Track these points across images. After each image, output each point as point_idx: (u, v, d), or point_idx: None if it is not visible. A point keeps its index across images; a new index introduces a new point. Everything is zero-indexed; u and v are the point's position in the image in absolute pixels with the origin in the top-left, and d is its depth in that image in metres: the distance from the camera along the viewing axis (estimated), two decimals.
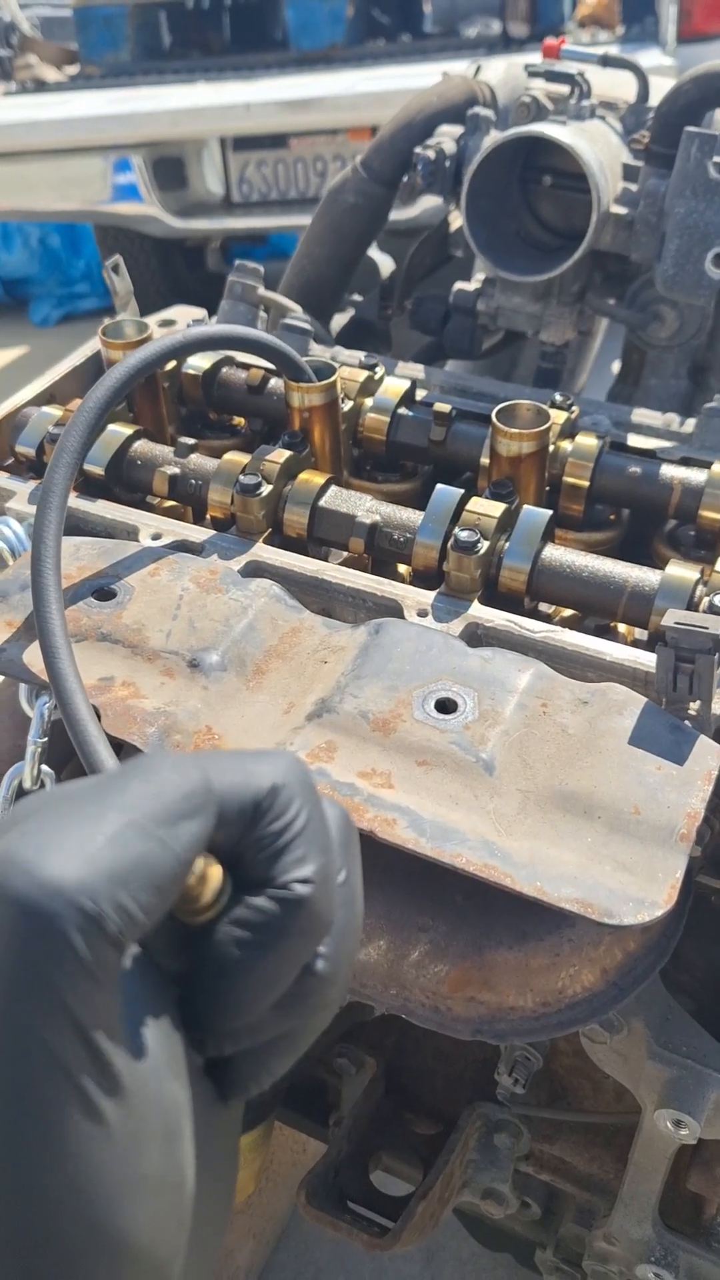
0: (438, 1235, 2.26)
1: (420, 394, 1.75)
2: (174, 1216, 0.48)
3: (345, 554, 1.53)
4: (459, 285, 1.98)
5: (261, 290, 1.93)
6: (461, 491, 1.44)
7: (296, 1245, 2.48)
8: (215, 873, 0.54)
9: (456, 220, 2.29)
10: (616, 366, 2.31)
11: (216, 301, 2.02)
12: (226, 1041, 0.55)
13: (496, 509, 1.39)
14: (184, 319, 2.02)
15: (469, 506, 1.40)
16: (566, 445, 1.57)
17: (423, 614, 1.36)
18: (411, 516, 1.46)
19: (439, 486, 1.44)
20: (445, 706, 1.21)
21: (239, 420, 1.84)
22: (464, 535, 1.35)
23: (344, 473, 1.66)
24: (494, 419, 1.43)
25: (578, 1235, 1.76)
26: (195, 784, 0.53)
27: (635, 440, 1.65)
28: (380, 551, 1.48)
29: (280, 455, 1.49)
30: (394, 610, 1.38)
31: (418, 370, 1.84)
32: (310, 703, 1.23)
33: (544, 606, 1.47)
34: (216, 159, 5.09)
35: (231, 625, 1.31)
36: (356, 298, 2.28)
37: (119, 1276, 0.45)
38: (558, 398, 1.59)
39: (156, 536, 1.48)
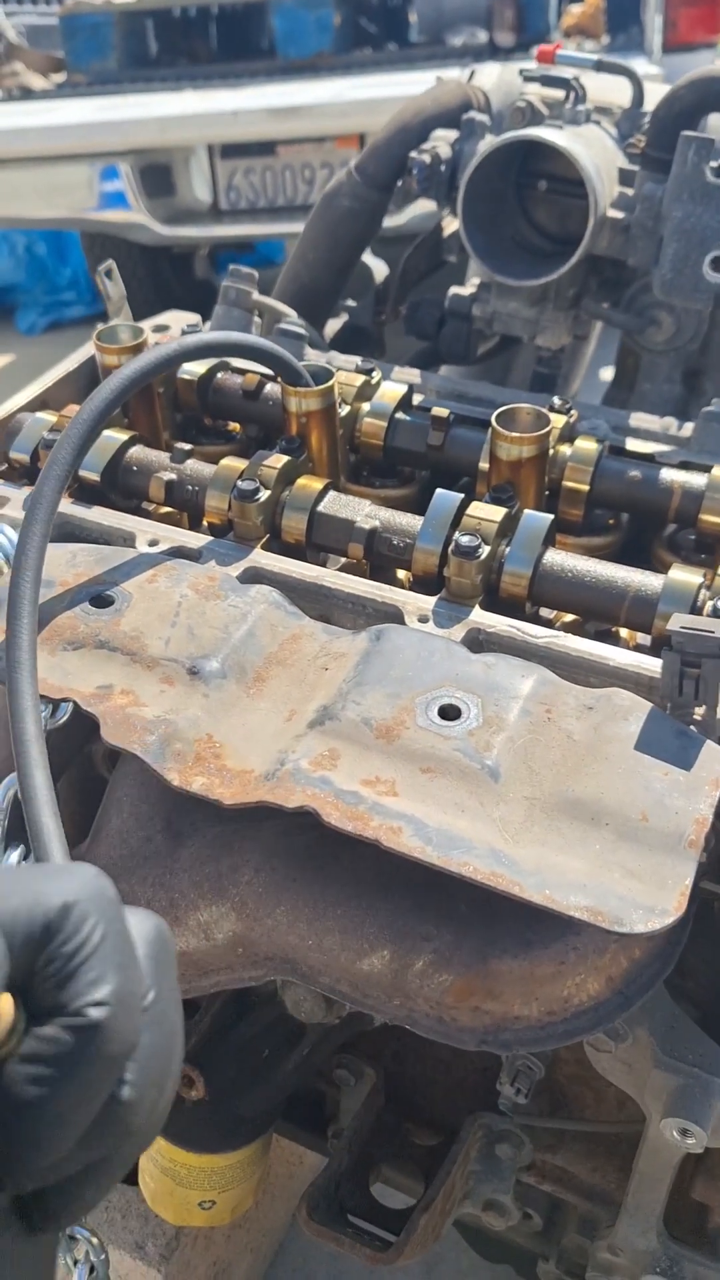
0: (437, 1246, 2.25)
1: (417, 399, 1.74)
2: None
3: (344, 559, 1.52)
4: (454, 290, 1.97)
5: (256, 295, 1.92)
6: (461, 496, 1.43)
7: (294, 1259, 2.45)
8: (4, 1006, 0.51)
9: (450, 225, 2.29)
10: (606, 373, 2.31)
11: (205, 310, 2.01)
12: (29, 1179, 0.52)
13: (497, 514, 1.38)
14: (178, 324, 2.00)
15: (469, 511, 1.39)
16: (566, 449, 1.56)
17: (424, 620, 1.35)
18: (411, 522, 1.45)
19: (439, 491, 1.42)
20: (448, 713, 1.20)
21: (235, 426, 1.82)
22: (465, 540, 1.34)
23: (341, 478, 1.65)
24: (493, 423, 1.42)
25: (580, 1246, 1.75)
26: None
27: (634, 444, 1.64)
28: (379, 557, 1.47)
29: (278, 460, 1.48)
30: (395, 616, 1.37)
31: (414, 375, 1.83)
32: (312, 710, 1.22)
33: (545, 611, 1.46)
34: (204, 166, 5.07)
35: (231, 632, 1.30)
36: (351, 303, 2.27)
37: None
38: (556, 402, 1.59)
39: (154, 543, 1.46)
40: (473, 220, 1.75)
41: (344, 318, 2.27)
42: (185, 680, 1.24)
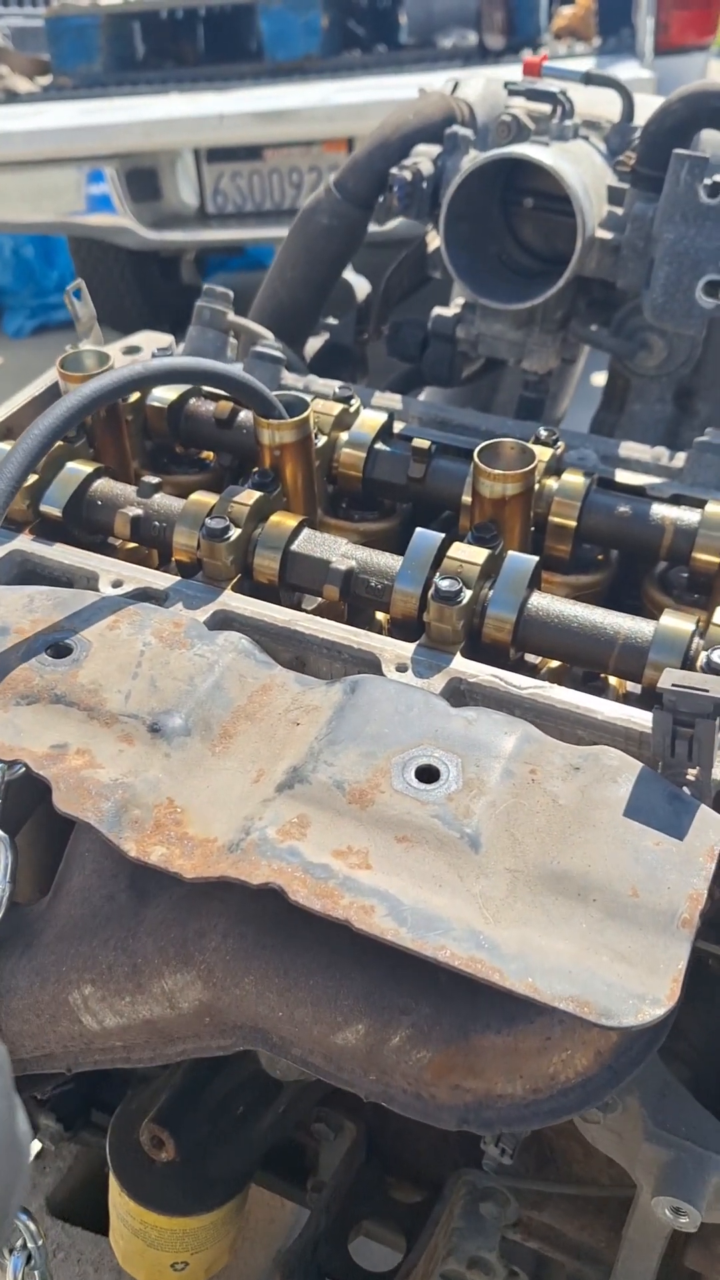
0: None
1: (398, 426, 1.66)
2: None
3: (320, 600, 1.44)
4: (438, 311, 1.89)
5: (231, 316, 1.84)
6: (442, 536, 1.35)
7: None
8: None
9: (434, 240, 2.21)
10: (598, 378, 2.23)
11: (192, 313, 1.92)
12: None
13: (479, 555, 1.31)
14: (150, 346, 1.93)
15: (450, 553, 1.32)
16: (552, 483, 1.49)
17: (402, 668, 1.27)
18: (390, 562, 1.38)
19: (418, 531, 1.35)
20: (427, 774, 1.12)
21: (208, 454, 1.75)
22: (445, 585, 1.27)
23: (318, 512, 1.58)
24: (476, 459, 1.35)
25: None
26: None
27: (624, 476, 1.57)
28: (357, 599, 1.39)
29: (249, 496, 1.40)
30: (371, 664, 1.29)
31: (395, 401, 1.75)
32: (281, 770, 1.14)
33: (531, 655, 1.39)
34: (190, 170, 4.99)
35: (196, 684, 1.22)
36: (332, 321, 2.19)
37: None
38: (542, 432, 1.51)
39: (117, 584, 1.38)
40: (455, 240, 1.67)
41: (324, 336, 2.19)
42: (146, 739, 1.17)
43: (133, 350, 1.91)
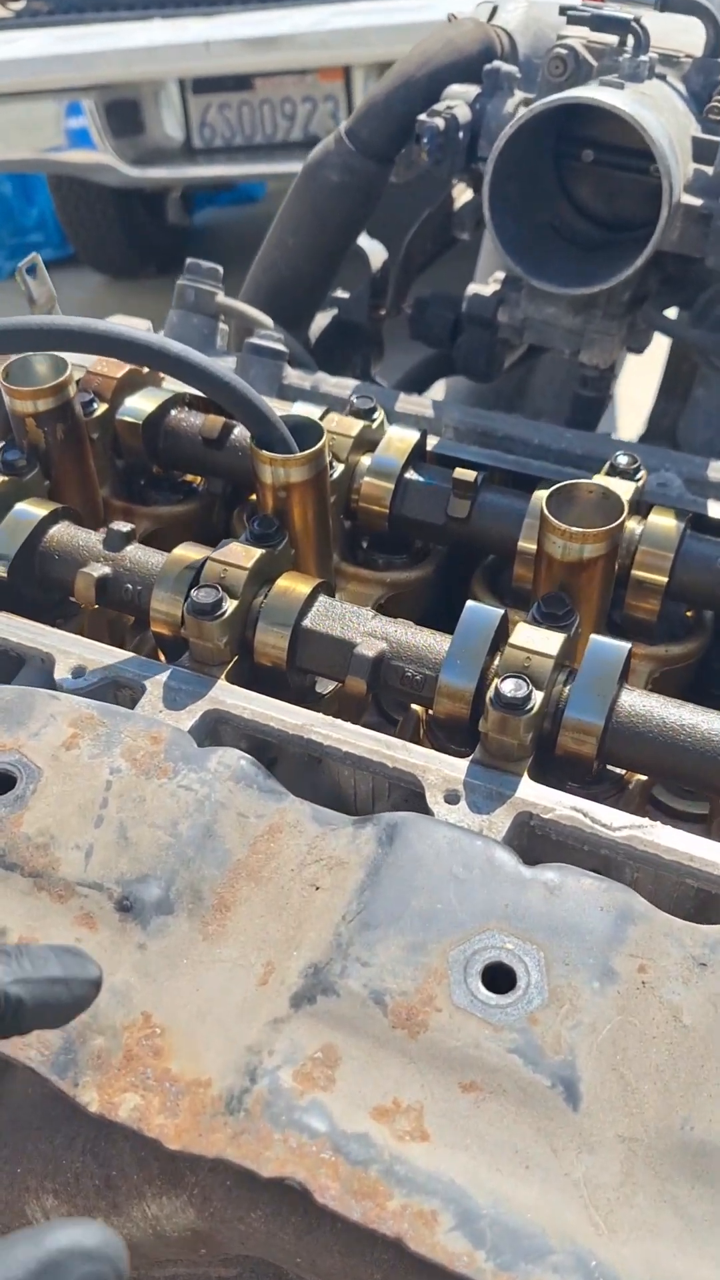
0: None
1: (431, 441, 1.33)
2: None
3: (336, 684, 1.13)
4: (474, 289, 1.55)
5: (220, 297, 1.50)
6: (500, 615, 1.03)
7: None
8: None
9: (463, 195, 1.86)
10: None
11: (181, 257, 1.57)
12: None
13: (552, 643, 1.00)
14: None
15: (515, 639, 1.00)
16: (635, 526, 1.17)
17: (452, 798, 0.96)
18: (431, 643, 1.06)
19: (471, 609, 1.04)
20: (498, 979, 0.82)
21: (192, 477, 1.42)
22: (510, 689, 0.95)
23: (333, 557, 1.25)
24: (544, 510, 1.03)
25: None
26: None
27: (718, 509, 1.24)
28: (388, 690, 1.07)
29: (248, 556, 1.08)
30: (411, 790, 0.98)
31: (424, 406, 1.42)
32: (298, 968, 0.84)
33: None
34: (175, 102, 4.61)
35: (181, 833, 0.92)
36: (341, 294, 1.84)
37: None
38: (621, 459, 1.19)
39: (79, 673, 1.07)
40: (501, 205, 1.33)
41: (332, 312, 1.84)
42: (113, 921, 0.86)
43: None
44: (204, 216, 6.14)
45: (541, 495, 1.17)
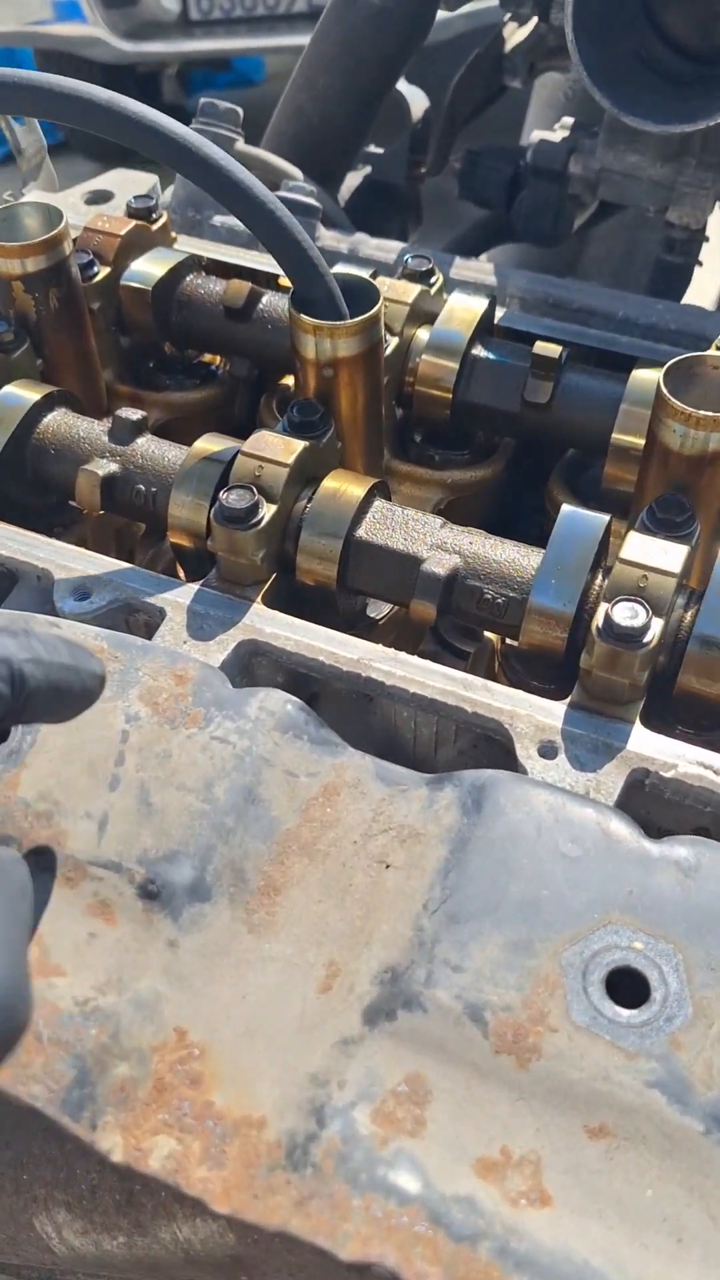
0: None
1: (497, 314, 1.12)
2: None
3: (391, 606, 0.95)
4: (540, 136, 1.32)
5: (241, 145, 1.27)
6: (606, 521, 0.84)
7: None
8: None
9: (515, 35, 1.60)
10: None
11: None
12: None
13: (673, 558, 0.80)
14: (125, 188, 1.36)
15: (626, 552, 0.82)
16: None
17: (548, 751, 0.79)
18: (515, 558, 0.87)
19: (568, 515, 0.85)
20: (626, 988, 0.66)
21: (212, 357, 1.21)
22: (625, 616, 0.77)
23: (382, 447, 1.05)
24: (662, 388, 0.82)
25: None
26: None
27: None
28: (461, 615, 0.89)
29: (289, 448, 0.88)
30: (497, 739, 0.80)
31: (484, 271, 1.21)
32: (369, 972, 0.67)
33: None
34: None
35: (217, 796, 0.74)
36: (374, 150, 1.60)
37: None
38: None
39: (82, 594, 0.88)
40: (585, 27, 1.09)
41: (364, 171, 1.60)
42: (135, 911, 0.70)
43: (99, 197, 1.34)
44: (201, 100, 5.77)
45: (645, 375, 0.97)
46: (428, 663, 0.85)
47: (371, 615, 0.99)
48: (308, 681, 0.89)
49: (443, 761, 0.96)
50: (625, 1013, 0.64)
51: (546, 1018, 0.64)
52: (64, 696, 0.66)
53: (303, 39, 5.21)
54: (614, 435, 0.99)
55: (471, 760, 0.92)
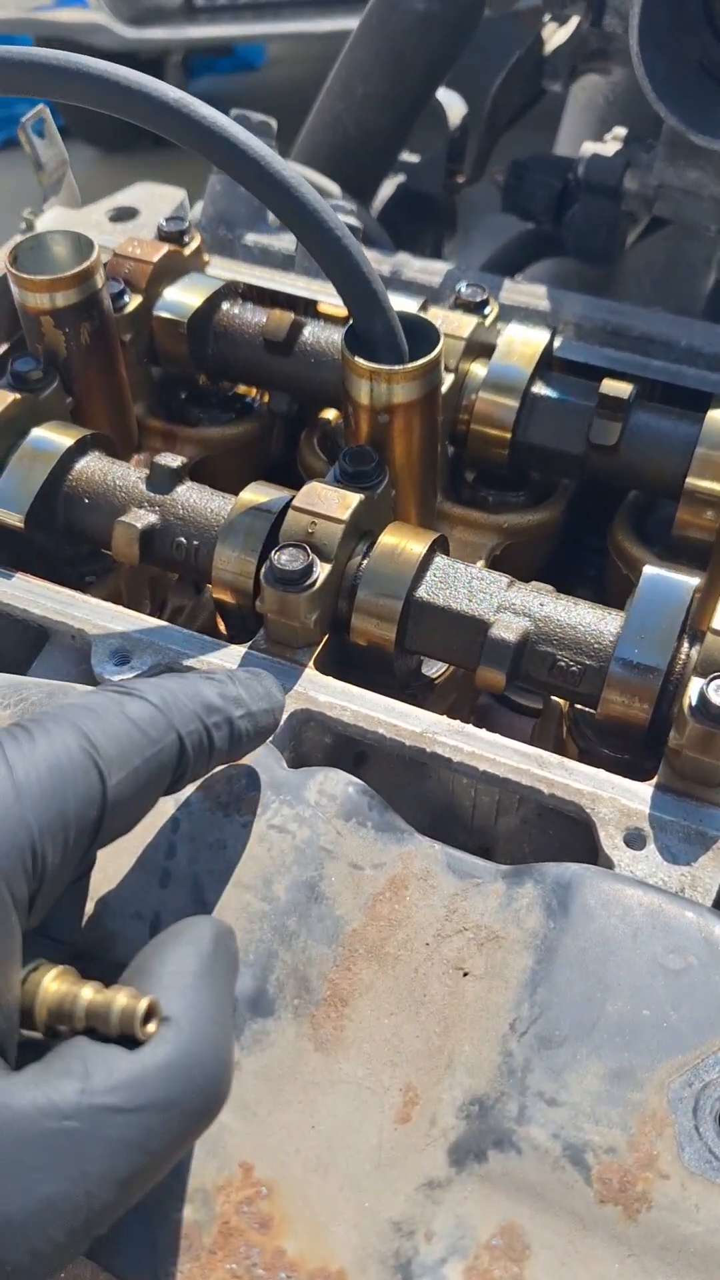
0: None
1: (555, 342, 1.06)
2: None
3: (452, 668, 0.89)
4: (592, 149, 1.25)
5: None
6: (694, 585, 0.78)
7: None
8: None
9: (556, 36, 1.54)
10: None
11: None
12: None
13: None
14: (152, 205, 1.30)
15: (714, 622, 0.75)
16: None
17: (635, 840, 0.73)
18: (591, 621, 0.81)
19: (650, 578, 0.79)
20: None
21: (247, 389, 1.15)
22: (717, 691, 0.70)
23: (436, 494, 0.99)
24: None
25: None
26: None
27: None
28: (531, 682, 0.83)
29: (344, 504, 0.83)
30: (576, 824, 0.75)
31: (536, 296, 1.15)
32: (453, 1099, 0.62)
33: None
34: None
35: (277, 895, 0.68)
36: (409, 158, 1.54)
37: None
38: None
39: (122, 657, 0.82)
40: (651, 37, 1.03)
41: (398, 180, 1.54)
42: None
43: (125, 214, 1.28)
44: (202, 85, 5.68)
45: None
46: (497, 737, 0.79)
47: (427, 674, 0.94)
48: (353, 741, 0.83)
49: (503, 830, 0.90)
50: None
51: (656, 1162, 0.58)
52: (262, 736, 0.67)
53: (310, 25, 5.10)
54: (688, 480, 0.93)
55: (536, 829, 0.86)
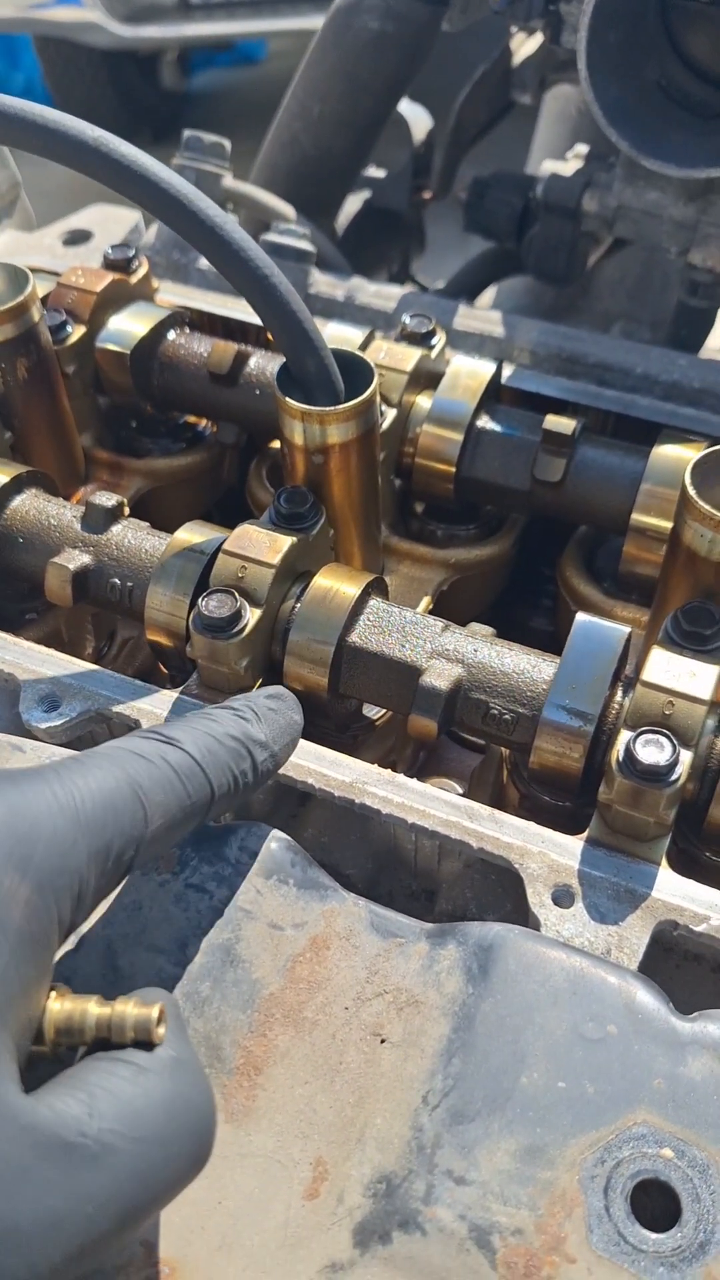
0: None
1: (505, 371, 1.05)
2: None
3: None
4: (551, 168, 1.24)
5: (228, 181, 1.20)
6: (626, 634, 0.77)
7: None
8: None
9: (524, 48, 1.52)
10: None
11: (177, 125, 1.27)
12: None
13: (702, 681, 0.73)
14: (106, 228, 1.28)
15: (651, 673, 0.74)
16: None
17: (564, 898, 0.72)
18: (524, 669, 0.80)
19: (582, 625, 0.77)
20: (655, 1205, 0.59)
21: (196, 418, 1.13)
22: (649, 754, 0.70)
23: (380, 530, 0.98)
24: (687, 485, 0.75)
25: None
26: None
27: None
28: (465, 729, 0.81)
29: (274, 548, 0.81)
30: (505, 880, 0.73)
31: (491, 321, 1.13)
32: (362, 1176, 0.61)
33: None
34: None
35: (191, 959, 0.67)
36: (374, 173, 1.52)
37: None
38: None
39: (51, 705, 0.81)
40: (601, 57, 1.01)
41: (364, 195, 1.53)
42: None
43: (78, 237, 1.27)
44: (201, 80, 5.66)
45: (667, 453, 0.90)
46: (428, 788, 0.78)
47: (368, 715, 0.92)
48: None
49: (446, 874, 0.89)
50: (653, 1237, 0.57)
51: (563, 1244, 0.57)
52: (279, 768, 0.69)
53: (306, 22, 5.06)
54: (634, 516, 0.92)
55: (479, 875, 0.85)
